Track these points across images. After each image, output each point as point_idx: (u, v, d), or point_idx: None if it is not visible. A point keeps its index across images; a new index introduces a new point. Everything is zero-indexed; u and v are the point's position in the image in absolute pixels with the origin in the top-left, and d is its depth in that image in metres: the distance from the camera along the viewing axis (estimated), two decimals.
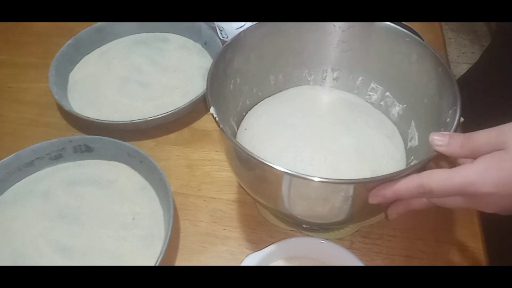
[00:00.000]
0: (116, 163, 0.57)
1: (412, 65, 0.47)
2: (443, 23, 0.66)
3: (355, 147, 0.46)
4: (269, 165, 0.35)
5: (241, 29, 0.76)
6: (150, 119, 0.58)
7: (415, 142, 0.48)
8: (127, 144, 0.55)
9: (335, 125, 0.48)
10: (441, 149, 0.36)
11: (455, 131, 0.38)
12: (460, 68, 1.77)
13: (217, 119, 0.38)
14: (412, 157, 0.48)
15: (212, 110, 0.38)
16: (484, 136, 0.33)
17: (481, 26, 1.95)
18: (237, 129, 0.51)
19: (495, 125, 0.33)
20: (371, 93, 0.53)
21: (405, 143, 0.50)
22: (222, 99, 0.46)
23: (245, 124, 0.50)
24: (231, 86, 0.48)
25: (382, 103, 0.53)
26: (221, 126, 0.38)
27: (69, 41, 0.69)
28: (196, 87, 0.67)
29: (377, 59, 0.50)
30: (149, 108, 0.64)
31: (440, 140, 0.36)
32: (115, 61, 0.71)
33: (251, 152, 0.36)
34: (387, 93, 0.52)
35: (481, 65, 0.72)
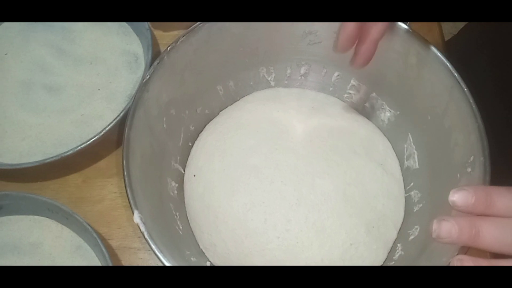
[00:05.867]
0: (37, 217, 0.44)
1: (410, 68, 0.34)
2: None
3: (342, 192, 0.35)
4: None
5: None
6: (67, 154, 0.44)
7: (414, 164, 0.37)
8: (44, 198, 0.42)
9: (311, 162, 0.36)
10: (461, 209, 0.27)
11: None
12: None
13: (146, 234, 0.26)
14: (412, 183, 0.37)
15: (137, 218, 0.26)
16: (506, 201, 0.27)
17: None
18: (184, 170, 0.38)
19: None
20: (351, 92, 0.41)
21: (400, 161, 0.39)
22: (155, 151, 0.33)
23: (192, 166, 0.38)
24: (164, 125, 0.35)
25: (367, 104, 0.40)
26: (153, 247, 0.26)
27: None
28: (122, 84, 0.51)
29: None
30: (67, 126, 0.49)
31: (463, 201, 0.27)
32: (9, 58, 0.53)
33: None
34: (373, 94, 0.39)
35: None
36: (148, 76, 0.31)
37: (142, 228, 0.26)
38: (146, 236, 0.27)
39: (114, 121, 0.45)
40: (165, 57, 0.32)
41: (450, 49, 0.46)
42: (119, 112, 0.49)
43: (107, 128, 0.45)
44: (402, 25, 0.33)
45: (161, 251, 0.27)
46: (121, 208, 0.45)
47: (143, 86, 0.31)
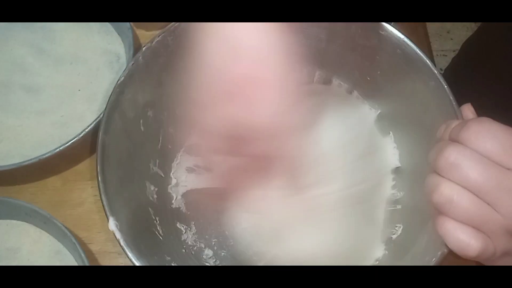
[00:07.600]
0: (15, 221, 0.43)
1: (392, 67, 0.34)
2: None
3: None
4: None
5: None
6: (47, 156, 0.43)
7: (395, 161, 0.37)
8: (21, 202, 0.41)
9: None
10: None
11: None
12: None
13: (122, 242, 0.25)
14: (394, 182, 0.37)
15: (112, 225, 0.25)
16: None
17: None
18: (163, 174, 0.38)
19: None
20: None
21: None
22: (132, 155, 0.32)
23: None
24: (142, 128, 0.34)
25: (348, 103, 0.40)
26: (129, 255, 0.25)
27: None
28: (103, 85, 0.50)
29: (335, 49, 0.36)
30: (46, 128, 0.48)
31: None
32: None
33: None
34: (355, 93, 0.39)
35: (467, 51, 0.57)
36: (123, 77, 0.30)
37: (118, 235, 0.26)
38: (122, 243, 0.27)
39: (95, 123, 0.44)
40: (140, 57, 0.31)
41: None
42: (100, 113, 0.48)
43: (87, 130, 0.44)
44: (385, 24, 0.33)
45: (138, 259, 0.27)
46: (102, 212, 0.44)
47: (117, 88, 0.30)
